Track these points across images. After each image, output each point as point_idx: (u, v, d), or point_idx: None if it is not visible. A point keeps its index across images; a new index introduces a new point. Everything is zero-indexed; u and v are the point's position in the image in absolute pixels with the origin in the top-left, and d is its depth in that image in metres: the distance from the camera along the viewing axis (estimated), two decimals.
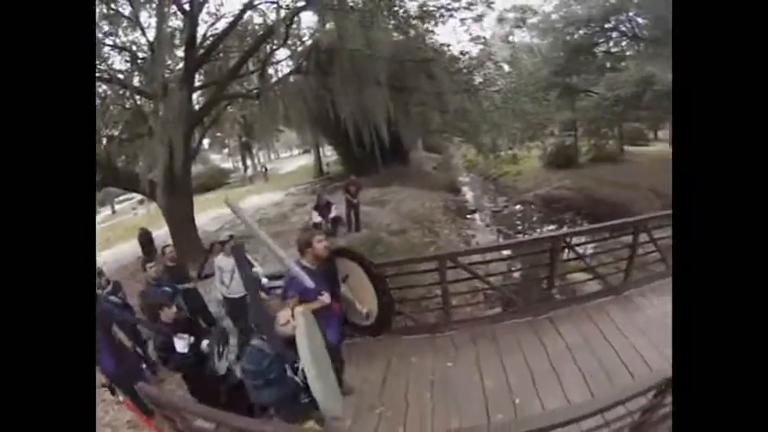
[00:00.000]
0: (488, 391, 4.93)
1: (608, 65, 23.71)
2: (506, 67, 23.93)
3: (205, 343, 4.83)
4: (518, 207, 21.66)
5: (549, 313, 6.53)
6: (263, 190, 26.13)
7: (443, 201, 18.93)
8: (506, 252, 8.20)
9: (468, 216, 19.70)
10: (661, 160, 26.48)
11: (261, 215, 17.75)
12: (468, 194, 25.61)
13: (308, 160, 36.27)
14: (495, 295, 7.23)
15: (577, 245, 7.74)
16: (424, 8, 14.28)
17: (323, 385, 3.41)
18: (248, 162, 39.65)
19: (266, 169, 36.17)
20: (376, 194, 17.07)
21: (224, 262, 6.89)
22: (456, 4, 14.91)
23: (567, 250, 7.44)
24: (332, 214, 12.71)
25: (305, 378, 3.37)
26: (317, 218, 12.59)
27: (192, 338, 4.81)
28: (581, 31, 23.51)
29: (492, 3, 16.38)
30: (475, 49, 18.43)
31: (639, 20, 23.54)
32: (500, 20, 24.70)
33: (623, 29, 24.03)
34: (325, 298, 4.33)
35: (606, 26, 23.67)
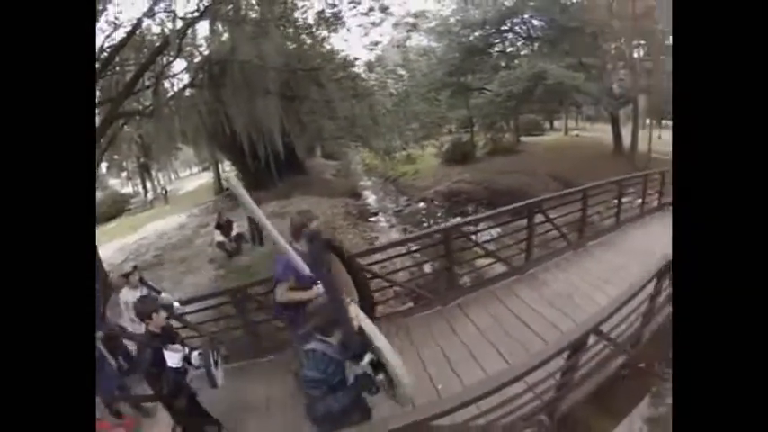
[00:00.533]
0: None
1: (502, 63, 24.63)
2: (401, 71, 24.57)
3: (196, 354, 4.27)
4: (421, 205, 22.11)
5: (458, 300, 6.85)
6: (165, 213, 25.44)
7: (345, 206, 19.11)
8: (414, 247, 8.33)
9: (371, 219, 19.83)
10: (556, 147, 28.16)
11: (165, 241, 17.28)
12: (370, 198, 25.80)
13: (208, 178, 35.44)
14: (405, 291, 7.34)
15: (476, 232, 8.10)
16: (322, 15, 14.40)
17: (403, 368, 3.24)
18: (148, 185, 37.76)
19: (166, 191, 34.98)
20: (276, 207, 16.96)
21: (131, 295, 6.10)
22: (354, 11, 15.18)
23: (471, 238, 7.75)
24: (234, 232, 12.70)
25: (371, 371, 3.17)
26: (219, 237, 12.57)
27: (187, 350, 4.32)
28: (476, 34, 24.41)
29: (388, 9, 16.81)
30: (370, 55, 18.85)
31: (535, 22, 24.78)
32: (397, 25, 25.38)
33: (518, 30, 25.23)
34: (320, 288, 4.08)
35: (502, 28, 24.76)
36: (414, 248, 8.44)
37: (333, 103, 13.80)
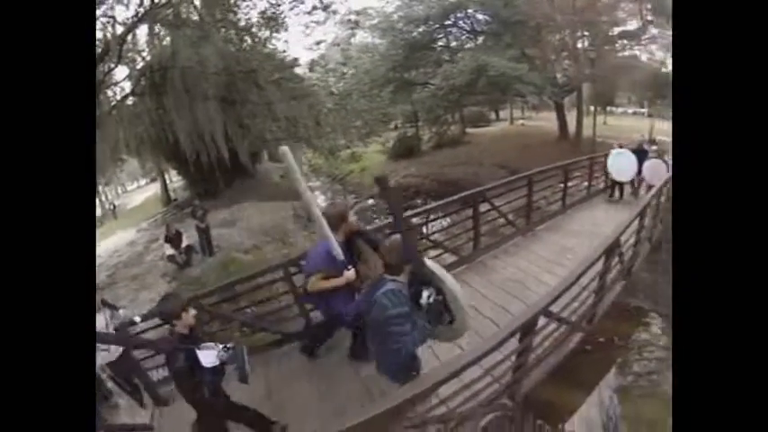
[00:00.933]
0: (366, 379, 5.05)
1: (446, 58, 24.81)
2: (345, 69, 24.49)
3: (220, 348, 3.95)
4: (370, 202, 22.16)
5: None
6: (115, 229, 24.75)
7: (293, 209, 18.94)
8: None
9: None
10: (502, 137, 28.63)
11: (116, 259, 16.63)
12: (319, 198, 25.65)
13: (155, 189, 34.57)
14: None
15: (425, 224, 8.18)
16: (265, 15, 14.19)
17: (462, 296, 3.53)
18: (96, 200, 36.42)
19: (114, 206, 33.93)
20: (226, 215, 16.75)
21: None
22: (297, 10, 15.03)
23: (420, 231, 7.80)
24: (184, 244, 12.49)
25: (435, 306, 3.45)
26: (169, 250, 12.35)
27: (221, 346, 3.97)
28: (420, 29, 24.56)
29: (329, 6, 16.73)
30: (313, 54, 18.73)
31: (479, 16, 25.15)
32: (340, 23, 25.26)
33: (462, 25, 25.54)
34: (352, 273, 4.48)
35: (445, 23, 25.02)
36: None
37: (273, 104, 13.67)
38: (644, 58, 26.45)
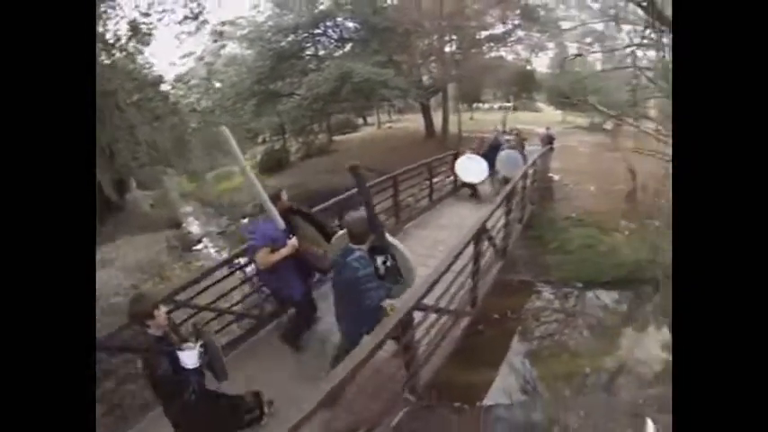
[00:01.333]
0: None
1: (312, 66, 24.93)
2: (210, 84, 23.89)
3: (196, 348, 3.72)
4: (245, 221, 21.64)
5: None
6: None
7: (166, 240, 18.11)
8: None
9: (194, 247, 19.02)
10: (369, 142, 29.63)
11: None
12: (192, 225, 24.59)
13: None
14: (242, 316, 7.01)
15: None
16: (134, 24, 13.37)
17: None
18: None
19: None
20: (105, 253, 15.74)
21: None
22: (168, 19, 14.35)
23: None
24: None
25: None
26: None
27: (200, 343, 3.78)
28: (289, 38, 24.50)
29: (199, 15, 16.21)
30: (178, 69, 17.99)
31: (348, 24, 25.58)
32: (211, 33, 24.41)
33: (331, 33, 25.87)
34: (294, 241, 5.05)
35: (315, 31, 25.22)
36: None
37: (135, 128, 12.96)
38: (510, 57, 28.35)
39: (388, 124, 35.78)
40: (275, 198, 5.16)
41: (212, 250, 18.54)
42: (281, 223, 4.97)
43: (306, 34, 25.00)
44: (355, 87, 21.38)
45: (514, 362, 9.62)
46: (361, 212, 4.41)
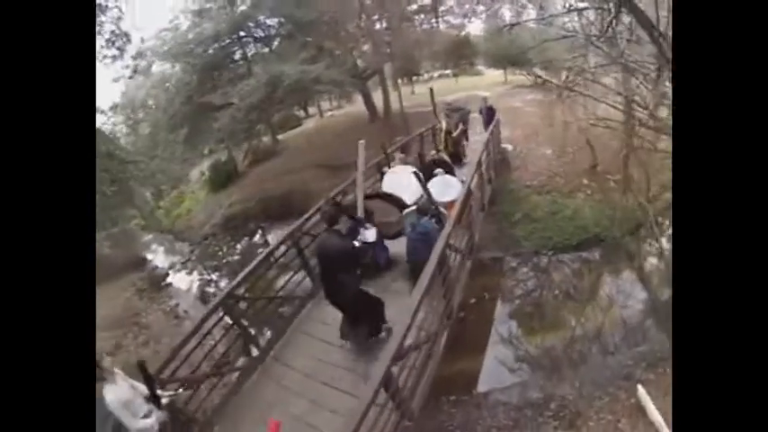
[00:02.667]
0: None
1: (243, 71, 24.59)
2: (143, 109, 23.46)
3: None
4: (207, 241, 21.70)
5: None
6: None
7: (132, 283, 17.90)
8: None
9: (163, 283, 18.76)
10: (315, 134, 29.65)
11: None
12: (156, 259, 24.17)
13: None
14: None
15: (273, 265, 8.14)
16: None
17: None
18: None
19: None
20: None
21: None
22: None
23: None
24: None
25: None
26: None
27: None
28: (213, 47, 24.09)
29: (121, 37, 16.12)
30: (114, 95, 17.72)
31: (270, 22, 25.38)
32: (137, 54, 23.71)
33: (255, 34, 25.55)
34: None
35: (239, 35, 24.86)
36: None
37: None
38: (442, 26, 28.46)
39: (330, 113, 35.69)
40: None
41: (182, 285, 18.31)
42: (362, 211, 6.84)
43: (229, 40, 24.64)
44: (288, 90, 21.33)
45: (502, 330, 10.31)
46: (425, 199, 7.78)
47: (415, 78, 38.26)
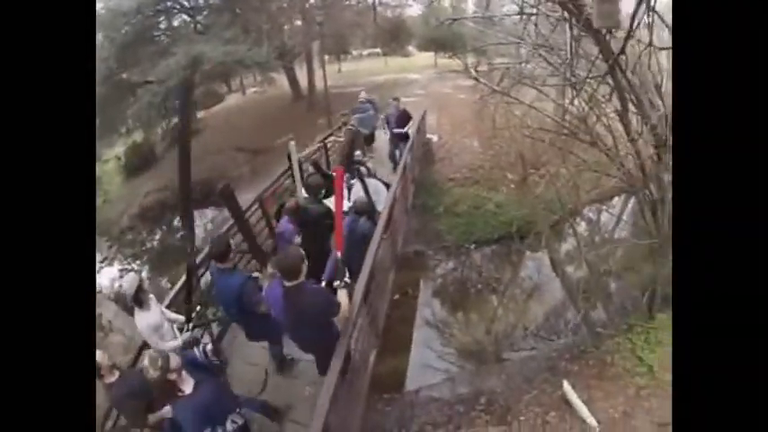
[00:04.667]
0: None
1: (162, 46, 23.03)
2: None
3: None
4: (130, 237, 21.46)
5: None
6: None
7: None
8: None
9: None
10: (237, 113, 30.20)
11: None
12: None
13: None
14: None
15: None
16: None
17: None
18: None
19: None
20: None
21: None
22: None
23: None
24: None
25: None
26: None
27: None
28: (132, 23, 22.25)
29: None
30: None
31: None
32: None
33: (179, 6, 24.18)
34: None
35: (158, 8, 23.29)
36: None
37: None
38: (379, 8, 29.16)
39: (254, 89, 35.15)
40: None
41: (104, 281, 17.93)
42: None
43: (151, 13, 22.96)
44: (209, 74, 21.22)
45: (425, 313, 11.37)
46: (365, 198, 7.58)
47: (342, 57, 38.29)
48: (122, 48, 22.32)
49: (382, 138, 14.02)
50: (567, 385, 7.86)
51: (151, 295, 5.48)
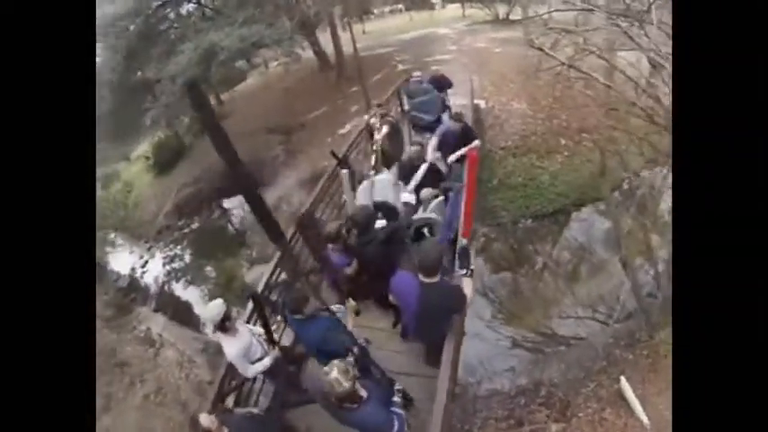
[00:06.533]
0: None
1: (173, 39, 22.83)
2: None
3: None
4: (162, 235, 21.53)
5: None
6: None
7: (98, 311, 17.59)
8: None
9: (127, 299, 18.06)
10: (262, 91, 30.42)
11: None
12: (115, 265, 22.88)
13: None
14: None
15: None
16: None
17: None
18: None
19: None
20: None
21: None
22: None
23: None
24: None
25: None
26: None
27: None
28: (137, 21, 22.05)
29: None
30: None
31: None
32: None
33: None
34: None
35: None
36: None
37: None
38: None
39: (277, 62, 34.65)
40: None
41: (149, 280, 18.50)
42: None
43: (153, 7, 22.06)
44: (225, 62, 19.93)
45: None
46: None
47: (365, 16, 37.60)
48: (131, 49, 21.96)
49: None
50: (624, 381, 8.00)
51: (237, 318, 5.39)
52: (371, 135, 9.16)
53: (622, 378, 8.03)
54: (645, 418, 7.38)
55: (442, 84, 12.21)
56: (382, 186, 7.46)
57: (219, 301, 5.07)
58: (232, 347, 5.10)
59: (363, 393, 4.09)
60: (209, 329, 5.01)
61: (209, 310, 5.05)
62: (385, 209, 6.74)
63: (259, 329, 5.56)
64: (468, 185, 5.88)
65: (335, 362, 4.00)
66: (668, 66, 7.61)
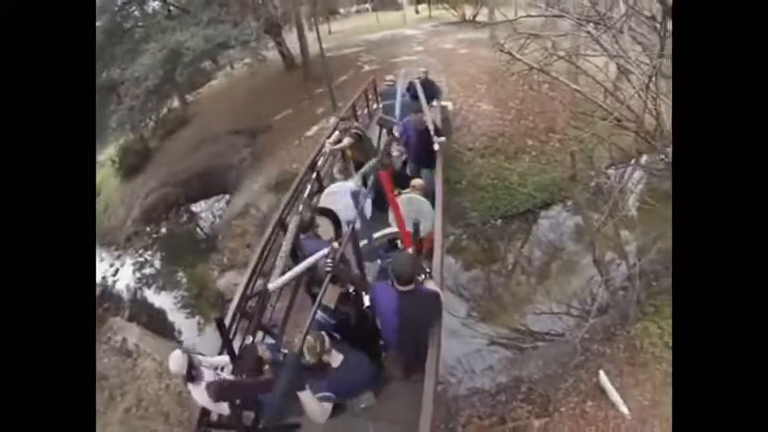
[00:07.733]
0: None
1: (138, 45, 22.47)
2: None
3: None
4: (130, 243, 21.05)
5: None
6: None
7: None
8: None
9: (101, 309, 17.35)
10: (228, 89, 30.29)
11: None
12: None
13: None
14: None
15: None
16: None
17: None
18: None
19: None
20: None
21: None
22: None
23: None
24: None
25: None
26: None
27: None
28: (103, 19, 21.95)
29: None
30: None
31: None
32: None
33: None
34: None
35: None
36: None
37: None
38: None
39: (243, 62, 34.29)
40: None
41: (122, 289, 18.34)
42: None
43: (116, 8, 22.72)
44: (189, 65, 19.99)
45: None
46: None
47: (331, 17, 37.67)
48: (98, 46, 21.42)
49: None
50: (603, 375, 8.35)
51: (201, 361, 5.23)
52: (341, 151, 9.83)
53: (601, 372, 8.34)
54: (625, 409, 7.76)
55: (430, 90, 11.97)
56: (332, 193, 8.08)
57: (178, 352, 5.01)
58: (202, 395, 4.87)
59: (335, 363, 4.36)
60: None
61: (172, 365, 4.97)
62: (332, 216, 7.14)
63: (221, 359, 5.47)
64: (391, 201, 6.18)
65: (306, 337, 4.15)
66: (636, 71, 8.01)
